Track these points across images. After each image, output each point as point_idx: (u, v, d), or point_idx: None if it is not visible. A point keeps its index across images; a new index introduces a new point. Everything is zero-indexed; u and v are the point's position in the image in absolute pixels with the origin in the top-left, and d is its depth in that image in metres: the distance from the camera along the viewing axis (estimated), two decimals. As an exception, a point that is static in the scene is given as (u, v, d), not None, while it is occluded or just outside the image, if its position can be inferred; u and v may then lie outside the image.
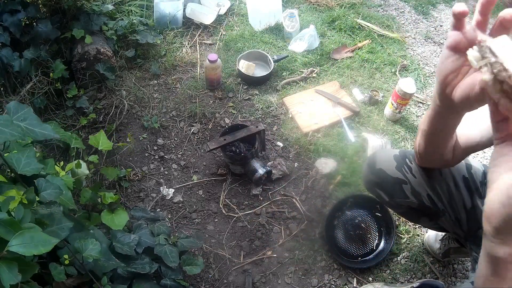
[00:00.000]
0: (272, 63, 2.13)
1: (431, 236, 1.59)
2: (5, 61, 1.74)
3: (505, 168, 0.52)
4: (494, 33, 0.56)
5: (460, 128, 0.90)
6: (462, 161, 1.08)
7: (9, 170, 0.89)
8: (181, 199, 1.72)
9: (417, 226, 1.69)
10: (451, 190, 1.08)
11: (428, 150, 0.96)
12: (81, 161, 1.29)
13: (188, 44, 2.33)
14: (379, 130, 1.98)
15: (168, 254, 1.22)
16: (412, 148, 1.30)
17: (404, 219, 1.69)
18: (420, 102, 2.16)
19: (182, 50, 2.29)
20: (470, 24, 0.63)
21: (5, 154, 0.87)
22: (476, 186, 1.08)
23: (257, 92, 2.11)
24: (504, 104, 0.53)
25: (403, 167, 1.13)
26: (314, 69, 2.20)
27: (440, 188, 1.09)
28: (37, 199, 0.89)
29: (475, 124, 0.94)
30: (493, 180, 0.53)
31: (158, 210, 1.68)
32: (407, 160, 1.13)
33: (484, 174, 1.10)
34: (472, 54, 0.56)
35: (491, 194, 0.53)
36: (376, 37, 2.45)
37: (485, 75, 0.54)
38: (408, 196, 1.13)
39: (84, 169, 1.30)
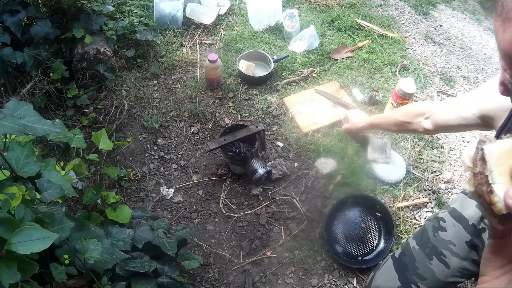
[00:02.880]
0: (272, 63, 2.13)
1: None
2: (6, 59, 1.74)
3: (493, 266, 0.57)
4: None
5: (439, 109, 1.11)
6: (458, 225, 1.10)
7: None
8: (181, 199, 1.72)
9: (417, 226, 1.69)
10: (463, 266, 1.07)
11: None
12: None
13: (188, 44, 2.33)
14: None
15: (166, 245, 1.22)
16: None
17: (403, 218, 1.70)
18: (420, 102, 2.16)
19: (182, 50, 2.29)
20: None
21: (5, 153, 0.87)
22: (478, 234, 1.07)
23: (257, 92, 2.11)
24: (484, 213, 0.53)
25: None
26: (314, 69, 2.20)
27: (453, 282, 1.08)
28: (38, 196, 0.88)
29: (453, 107, 1.08)
30: (482, 273, 0.58)
31: (158, 210, 1.68)
32: (413, 286, 1.09)
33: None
34: (467, 153, 0.53)
35: (479, 286, 0.58)
36: (376, 37, 2.45)
37: (466, 185, 0.53)
38: None
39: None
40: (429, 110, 1.27)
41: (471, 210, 1.11)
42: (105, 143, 1.33)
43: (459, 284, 1.55)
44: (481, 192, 0.49)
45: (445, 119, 1.15)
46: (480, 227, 1.07)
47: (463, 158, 0.54)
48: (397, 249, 1.61)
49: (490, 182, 0.48)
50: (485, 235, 1.05)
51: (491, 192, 0.48)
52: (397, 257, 1.15)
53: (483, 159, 0.49)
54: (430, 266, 1.08)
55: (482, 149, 0.50)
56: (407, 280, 1.09)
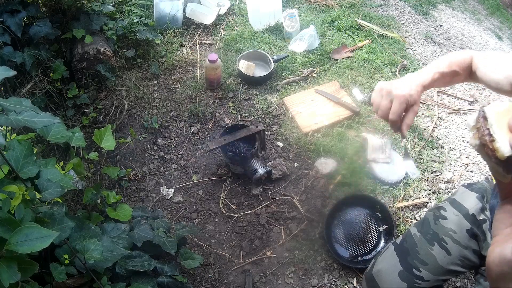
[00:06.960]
0: (272, 63, 2.13)
1: None
2: (6, 59, 1.74)
3: (504, 225, 0.61)
4: None
5: (485, 68, 0.92)
6: (458, 214, 1.10)
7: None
8: (181, 199, 1.72)
9: (417, 226, 1.69)
10: (463, 255, 1.08)
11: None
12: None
13: (188, 44, 2.33)
14: (379, 130, 1.98)
15: (166, 243, 1.22)
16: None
17: (403, 218, 1.70)
18: (420, 102, 2.16)
19: (182, 50, 2.29)
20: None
21: (5, 152, 0.87)
22: (478, 224, 1.07)
23: (257, 92, 2.11)
24: (490, 167, 0.60)
25: (413, 286, 1.08)
26: (314, 69, 2.20)
27: (453, 271, 1.09)
28: (38, 196, 0.88)
29: (499, 67, 0.90)
30: (494, 234, 0.62)
31: (158, 209, 1.68)
32: (414, 271, 1.08)
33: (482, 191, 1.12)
34: (471, 117, 0.63)
35: (491, 248, 0.61)
36: (376, 37, 2.45)
37: (472, 140, 0.62)
38: None
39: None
40: (473, 64, 1.00)
41: (471, 201, 1.12)
42: (108, 141, 1.33)
43: (459, 284, 1.55)
44: (485, 142, 0.58)
45: (486, 81, 0.96)
46: (480, 218, 1.08)
47: (468, 121, 0.63)
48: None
49: (491, 132, 0.57)
50: (486, 226, 1.06)
51: (493, 140, 0.56)
52: (398, 243, 1.16)
53: (484, 117, 0.59)
54: (431, 252, 1.09)
55: (483, 111, 0.60)
56: (409, 265, 1.10)
